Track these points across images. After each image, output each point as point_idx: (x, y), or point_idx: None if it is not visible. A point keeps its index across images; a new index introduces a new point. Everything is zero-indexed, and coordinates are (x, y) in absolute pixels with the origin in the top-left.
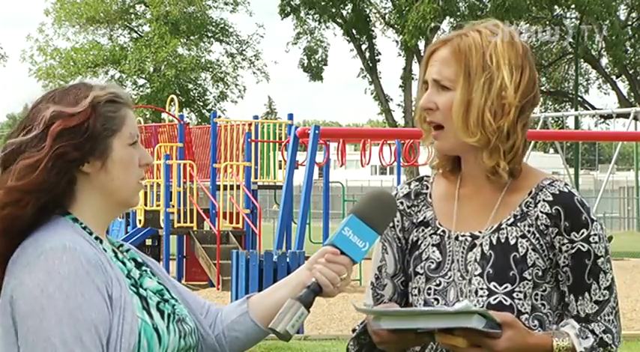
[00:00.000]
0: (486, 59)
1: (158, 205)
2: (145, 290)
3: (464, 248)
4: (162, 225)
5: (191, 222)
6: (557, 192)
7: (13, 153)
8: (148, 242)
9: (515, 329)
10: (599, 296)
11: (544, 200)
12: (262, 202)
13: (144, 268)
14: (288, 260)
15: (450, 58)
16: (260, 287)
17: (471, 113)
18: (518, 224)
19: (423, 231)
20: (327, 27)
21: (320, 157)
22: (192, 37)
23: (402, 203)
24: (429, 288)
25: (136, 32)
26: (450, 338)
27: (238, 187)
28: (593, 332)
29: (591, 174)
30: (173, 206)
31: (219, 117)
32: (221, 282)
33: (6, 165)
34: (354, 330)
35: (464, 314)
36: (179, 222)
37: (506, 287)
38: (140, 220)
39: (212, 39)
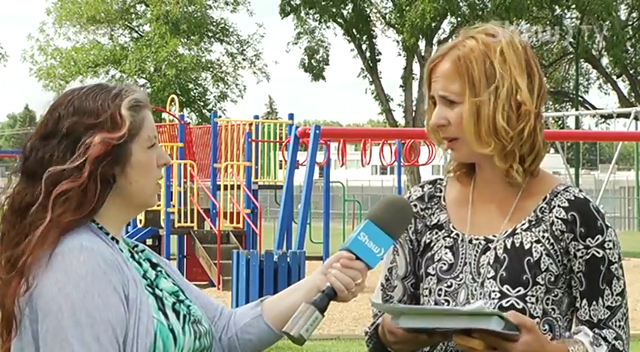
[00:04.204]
0: (488, 66)
1: (158, 205)
2: (161, 290)
3: (477, 251)
4: (162, 224)
5: (191, 221)
6: (573, 198)
7: (38, 163)
8: (149, 242)
9: (533, 335)
10: (612, 302)
11: (559, 206)
12: (263, 202)
13: (159, 269)
14: (288, 260)
15: (452, 71)
16: (260, 287)
17: (482, 123)
18: (533, 229)
19: (436, 233)
20: (327, 27)
21: (320, 157)
22: (192, 37)
23: (415, 205)
24: (440, 289)
25: (136, 32)
26: (467, 339)
27: (239, 187)
28: (605, 339)
29: (592, 174)
30: (173, 206)
31: (220, 117)
32: (221, 282)
33: (32, 173)
34: (366, 333)
35: (483, 316)
36: (179, 221)
37: (518, 291)
38: (140, 220)
39: (212, 39)
